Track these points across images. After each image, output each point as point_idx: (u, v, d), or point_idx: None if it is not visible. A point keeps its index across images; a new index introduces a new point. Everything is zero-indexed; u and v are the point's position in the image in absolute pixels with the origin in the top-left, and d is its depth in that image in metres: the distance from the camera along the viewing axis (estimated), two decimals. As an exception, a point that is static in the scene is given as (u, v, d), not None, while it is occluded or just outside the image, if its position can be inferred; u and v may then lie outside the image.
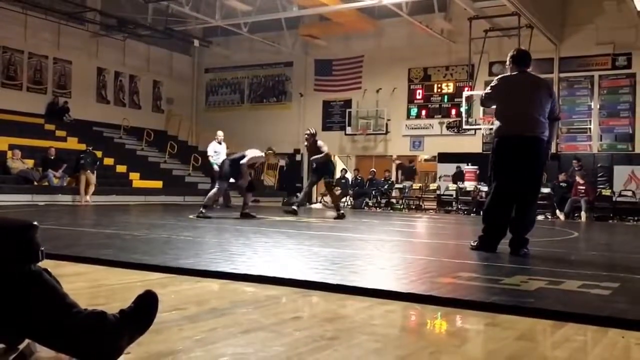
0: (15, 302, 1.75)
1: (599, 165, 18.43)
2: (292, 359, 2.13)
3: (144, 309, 2.01)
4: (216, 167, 14.81)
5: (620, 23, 18.20)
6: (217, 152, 14.75)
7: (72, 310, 1.82)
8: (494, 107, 6.10)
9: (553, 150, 5.72)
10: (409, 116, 21.73)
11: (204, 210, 10.54)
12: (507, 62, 6.02)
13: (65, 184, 16.55)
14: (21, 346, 1.90)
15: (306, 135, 12.34)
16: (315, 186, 14.47)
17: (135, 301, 2.02)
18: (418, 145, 21.58)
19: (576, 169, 17.25)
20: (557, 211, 16.51)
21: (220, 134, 15.01)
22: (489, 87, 6.13)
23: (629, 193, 17.22)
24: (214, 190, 11.10)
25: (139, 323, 1.97)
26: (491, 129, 7.05)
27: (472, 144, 19.61)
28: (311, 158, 12.31)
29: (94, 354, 1.83)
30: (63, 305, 1.82)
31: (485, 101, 6.22)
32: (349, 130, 22.52)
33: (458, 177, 19.36)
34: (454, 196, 18.92)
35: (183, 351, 2.19)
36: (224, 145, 15.02)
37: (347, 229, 9.56)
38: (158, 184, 19.46)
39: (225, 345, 2.30)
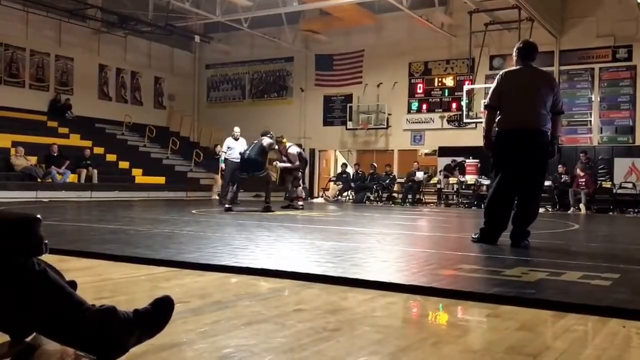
0: (20, 297, 1.76)
1: (599, 157, 18.42)
2: (295, 350, 2.16)
3: (159, 313, 2.00)
4: (222, 165, 14.73)
5: (621, 15, 18.17)
6: (230, 148, 14.53)
7: (79, 307, 1.83)
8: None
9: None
10: (409, 110, 21.71)
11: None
12: (514, 54, 6.01)
13: (67, 180, 16.59)
14: (28, 339, 1.92)
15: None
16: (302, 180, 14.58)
17: (151, 303, 2.01)
18: (419, 140, 21.57)
19: (583, 161, 17.26)
20: (581, 205, 16.49)
21: (237, 130, 14.75)
22: (491, 89, 6.05)
23: (630, 185, 17.23)
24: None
25: (150, 326, 1.97)
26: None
27: (473, 137, 19.61)
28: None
29: (98, 349, 1.84)
30: (70, 303, 1.83)
31: (491, 103, 5.96)
32: (350, 125, 22.50)
33: (449, 169, 19.40)
34: (455, 190, 18.93)
35: (187, 343, 2.22)
36: (241, 141, 14.70)
37: (349, 222, 9.59)
38: (161, 179, 19.47)
39: (229, 337, 2.32)
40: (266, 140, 11.81)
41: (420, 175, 19.83)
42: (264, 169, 11.85)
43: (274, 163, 12.15)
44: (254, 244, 5.51)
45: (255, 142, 11.93)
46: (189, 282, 3.60)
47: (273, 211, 11.47)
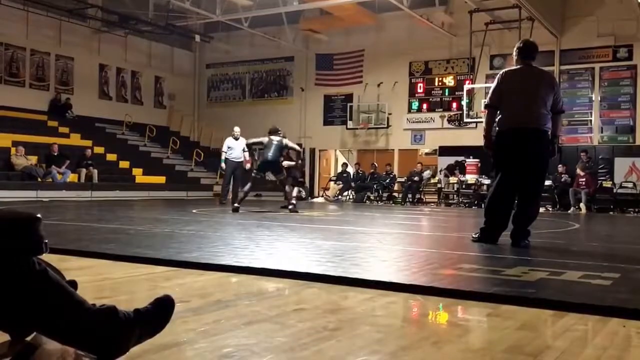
0: (20, 297, 1.76)
1: (599, 157, 18.42)
2: (295, 350, 2.16)
3: (159, 312, 2.00)
4: (223, 165, 14.65)
5: (621, 15, 18.16)
6: (230, 148, 14.49)
7: (79, 307, 1.83)
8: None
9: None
10: (410, 110, 21.71)
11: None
12: (514, 54, 6.01)
13: (68, 180, 16.59)
14: (28, 338, 1.92)
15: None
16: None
17: (152, 303, 2.02)
18: (419, 139, 21.57)
19: (584, 160, 17.27)
20: (582, 204, 16.52)
21: (237, 129, 14.67)
22: (491, 89, 6.05)
23: (630, 185, 17.24)
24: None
25: (150, 325, 1.97)
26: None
27: (473, 137, 19.60)
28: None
29: (99, 349, 1.84)
30: (70, 302, 1.83)
31: (491, 102, 5.96)
32: (350, 124, 22.50)
33: (451, 169, 19.44)
34: (455, 189, 18.94)
35: (187, 342, 2.22)
36: (241, 140, 14.65)
37: (349, 222, 9.59)
38: (161, 179, 19.48)
39: (229, 337, 2.32)
40: (285, 141, 11.67)
41: (427, 174, 19.89)
42: (282, 170, 11.77)
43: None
44: (254, 243, 5.50)
45: (273, 141, 11.50)
46: (189, 282, 3.60)
47: (297, 211, 11.36)
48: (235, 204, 11.35)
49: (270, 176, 12.01)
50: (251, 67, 25.12)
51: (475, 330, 2.74)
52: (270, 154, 11.39)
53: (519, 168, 5.74)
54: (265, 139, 11.60)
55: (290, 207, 11.56)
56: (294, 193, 13.21)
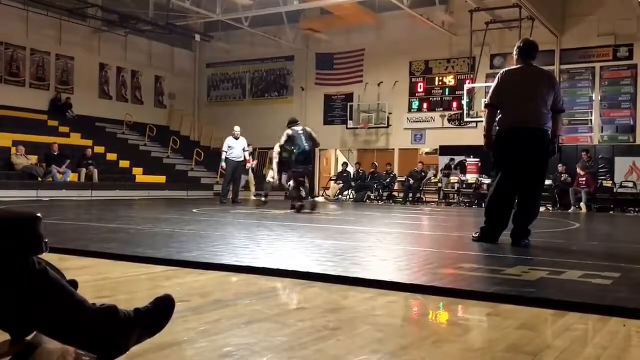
0: (20, 297, 1.76)
1: (600, 156, 18.42)
2: (295, 349, 2.16)
3: (159, 312, 2.00)
4: (223, 164, 14.64)
5: (622, 14, 18.16)
6: (231, 148, 14.48)
7: (79, 306, 1.83)
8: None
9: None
10: (410, 109, 21.71)
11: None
12: (514, 53, 6.00)
13: (68, 180, 16.60)
14: (28, 338, 1.92)
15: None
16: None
17: (152, 302, 2.02)
18: (420, 139, 21.58)
19: (585, 160, 17.27)
20: (582, 204, 16.53)
21: (237, 129, 14.65)
22: (492, 88, 6.05)
23: (630, 184, 17.25)
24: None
25: (151, 325, 1.97)
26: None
27: (474, 136, 19.59)
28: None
29: (99, 348, 1.84)
30: (71, 302, 1.83)
31: (492, 102, 5.95)
32: (350, 124, 22.51)
33: (448, 169, 19.47)
34: (456, 189, 18.94)
35: (188, 342, 2.22)
36: (242, 140, 14.63)
37: (350, 221, 9.58)
38: (161, 178, 19.49)
39: (230, 336, 2.32)
40: (309, 129, 11.37)
41: (431, 173, 19.95)
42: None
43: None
44: (254, 243, 5.50)
45: (299, 132, 11.09)
46: (189, 281, 3.60)
47: (299, 212, 11.15)
48: (298, 204, 11.21)
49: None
50: (251, 67, 25.13)
51: (476, 329, 2.74)
52: (305, 144, 10.99)
53: (519, 168, 5.73)
54: (289, 132, 11.11)
55: (299, 205, 11.27)
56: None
